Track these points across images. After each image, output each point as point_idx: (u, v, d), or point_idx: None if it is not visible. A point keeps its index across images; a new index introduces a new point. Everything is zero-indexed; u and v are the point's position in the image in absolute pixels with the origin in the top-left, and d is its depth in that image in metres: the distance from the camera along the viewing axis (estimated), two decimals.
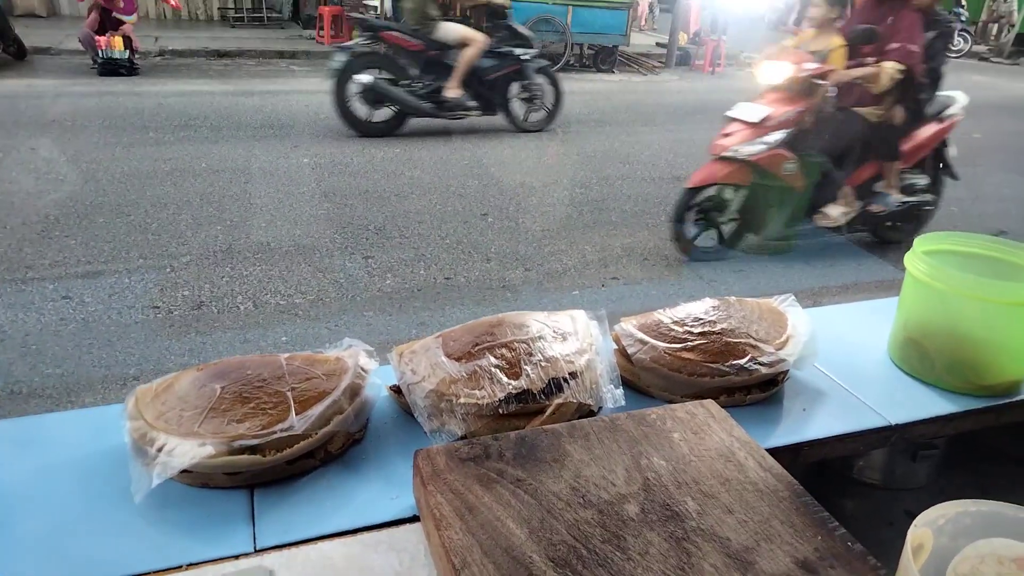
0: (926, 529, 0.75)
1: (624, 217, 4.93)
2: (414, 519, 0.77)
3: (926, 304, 1.02)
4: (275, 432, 0.77)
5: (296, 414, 0.80)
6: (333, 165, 5.54)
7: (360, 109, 6.06)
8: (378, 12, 9.75)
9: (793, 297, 1.07)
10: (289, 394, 0.82)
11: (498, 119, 6.71)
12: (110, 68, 7.89)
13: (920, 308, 1.03)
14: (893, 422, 0.94)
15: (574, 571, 0.63)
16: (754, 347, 0.96)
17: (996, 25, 15.93)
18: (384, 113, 6.17)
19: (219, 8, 12.75)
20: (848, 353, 1.09)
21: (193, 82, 8.33)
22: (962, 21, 14.78)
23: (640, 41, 12.68)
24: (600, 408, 0.93)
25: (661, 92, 10.01)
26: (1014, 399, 1.00)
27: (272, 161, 5.58)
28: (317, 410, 0.81)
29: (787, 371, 0.98)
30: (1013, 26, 15.51)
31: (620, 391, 0.93)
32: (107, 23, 8.28)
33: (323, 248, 4.13)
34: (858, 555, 0.67)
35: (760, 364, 0.95)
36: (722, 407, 0.95)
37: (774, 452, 0.91)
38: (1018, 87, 11.92)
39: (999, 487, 1.12)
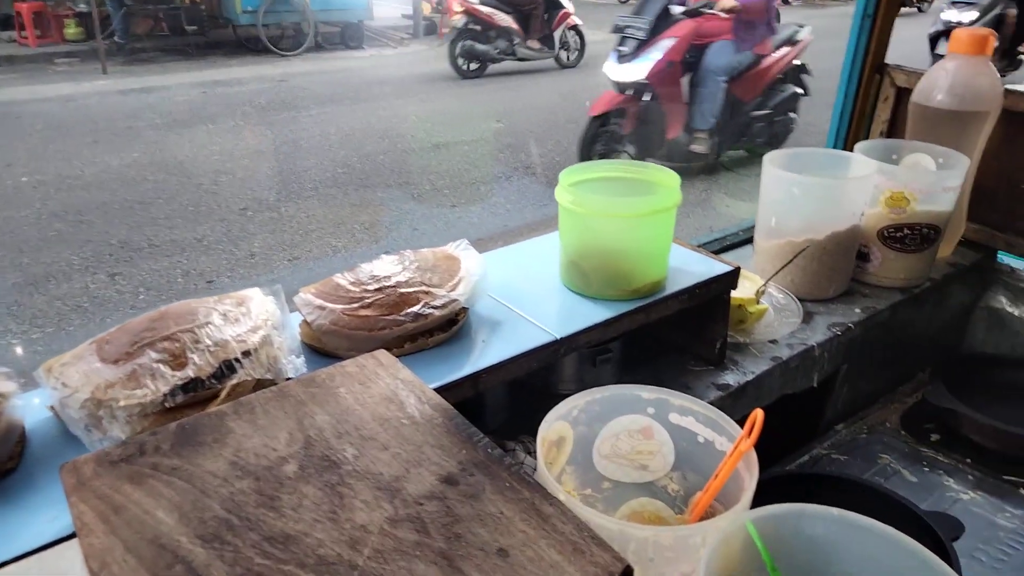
0: (561, 422, 0.86)
1: (389, 191, 4.94)
2: (73, 536, 0.73)
3: (575, 229, 1.14)
4: None
5: None
6: (60, 180, 4.97)
7: None
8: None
9: (467, 242, 1.15)
10: None
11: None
12: None
13: (572, 233, 1.15)
14: (558, 336, 1.05)
15: (223, 542, 0.64)
16: (427, 293, 1.02)
17: None
18: None
19: None
20: (527, 284, 1.20)
21: None
22: None
23: (385, 14, 12.56)
24: (288, 380, 0.94)
25: (412, 63, 10.06)
26: (658, 297, 1.15)
27: None
28: None
29: (464, 309, 1.06)
30: None
31: (301, 360, 0.95)
32: None
33: (59, 273, 3.71)
34: (496, 459, 0.75)
35: (433, 308, 1.01)
36: (408, 353, 1.01)
37: (456, 384, 0.98)
38: None
39: (673, 371, 1.30)
